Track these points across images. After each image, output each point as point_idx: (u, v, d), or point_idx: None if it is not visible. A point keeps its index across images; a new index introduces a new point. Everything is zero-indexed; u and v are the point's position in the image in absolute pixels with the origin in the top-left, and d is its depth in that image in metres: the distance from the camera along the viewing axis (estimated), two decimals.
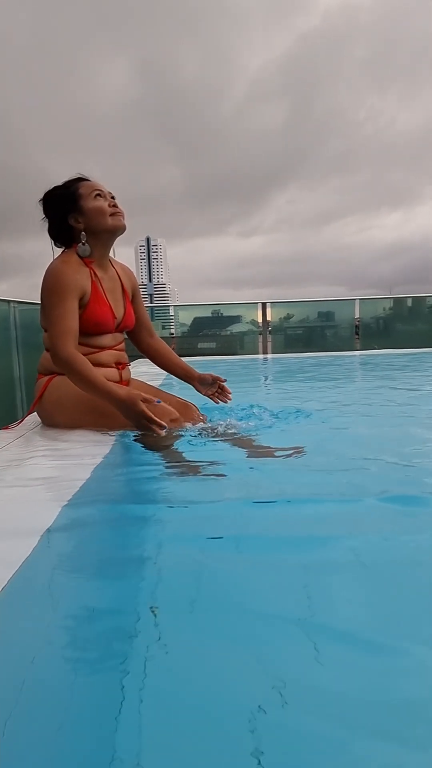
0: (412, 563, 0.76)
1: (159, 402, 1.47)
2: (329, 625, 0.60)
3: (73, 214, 1.65)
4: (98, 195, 1.65)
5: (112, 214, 1.66)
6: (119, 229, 1.70)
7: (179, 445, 1.44)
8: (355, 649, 0.56)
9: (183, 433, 1.55)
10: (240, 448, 1.42)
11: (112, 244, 1.76)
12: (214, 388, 1.87)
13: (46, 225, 1.71)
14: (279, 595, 0.68)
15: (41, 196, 1.68)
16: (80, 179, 1.70)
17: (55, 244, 1.73)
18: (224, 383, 1.87)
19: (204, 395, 1.88)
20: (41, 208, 1.69)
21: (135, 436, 1.51)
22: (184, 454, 1.35)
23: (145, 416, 1.43)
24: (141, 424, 1.46)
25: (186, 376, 1.92)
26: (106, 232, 1.68)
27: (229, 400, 1.87)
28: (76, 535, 0.88)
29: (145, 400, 1.44)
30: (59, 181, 1.71)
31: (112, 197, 1.69)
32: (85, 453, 1.35)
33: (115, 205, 1.67)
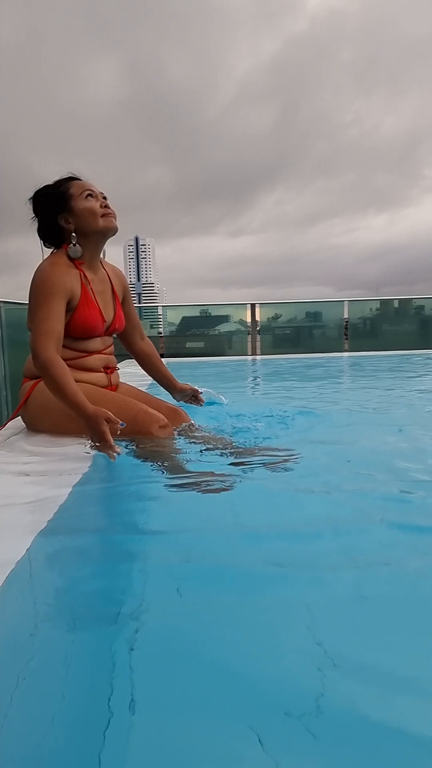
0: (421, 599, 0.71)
1: (123, 425, 1.40)
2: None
3: (63, 215, 1.61)
4: (89, 195, 1.62)
5: (103, 215, 1.62)
6: (110, 231, 1.66)
7: (168, 455, 1.41)
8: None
9: (174, 441, 1.52)
10: (229, 456, 1.40)
11: (103, 246, 1.71)
12: (189, 396, 2.02)
13: (35, 225, 1.66)
14: (278, 637, 0.62)
15: (29, 195, 1.64)
16: (71, 179, 1.65)
17: (45, 245, 1.69)
18: (200, 393, 2.04)
19: (178, 401, 1.99)
20: (30, 207, 1.65)
21: (126, 445, 1.48)
22: (172, 466, 1.32)
23: (104, 438, 1.37)
24: (97, 443, 1.41)
25: (168, 386, 2.02)
26: (96, 234, 1.64)
27: (201, 404, 2.04)
28: (49, 570, 0.80)
29: (109, 420, 1.38)
30: (47, 180, 1.66)
31: (104, 197, 1.65)
32: (66, 467, 1.28)
33: (106, 206, 1.63)
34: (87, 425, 1.41)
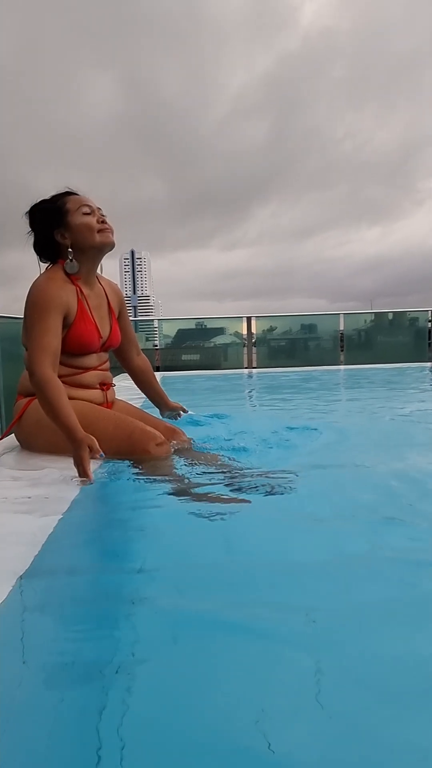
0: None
1: (102, 456, 1.38)
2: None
3: (59, 230, 1.59)
4: (86, 211, 1.59)
5: (100, 231, 1.60)
6: (107, 246, 1.64)
7: (164, 476, 1.37)
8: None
9: (171, 459, 1.48)
10: (224, 477, 1.35)
11: (99, 261, 1.69)
12: (175, 413, 2.00)
13: (31, 239, 1.64)
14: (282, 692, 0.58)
15: (25, 210, 1.63)
16: (68, 193, 1.63)
17: (41, 260, 1.67)
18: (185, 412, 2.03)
19: (163, 417, 1.96)
20: (27, 221, 1.63)
21: (130, 464, 1.46)
22: (168, 488, 1.27)
23: (82, 465, 1.34)
24: (77, 467, 1.36)
25: (157, 402, 2.01)
26: (93, 249, 1.62)
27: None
28: (35, 613, 0.73)
29: (91, 449, 1.36)
30: (43, 195, 1.64)
31: (102, 213, 1.63)
32: (56, 491, 1.23)
33: (103, 221, 1.61)
34: (72, 448, 1.38)
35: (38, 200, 1.63)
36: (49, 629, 0.72)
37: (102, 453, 1.38)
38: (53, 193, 1.64)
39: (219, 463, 1.47)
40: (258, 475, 1.36)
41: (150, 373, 1.96)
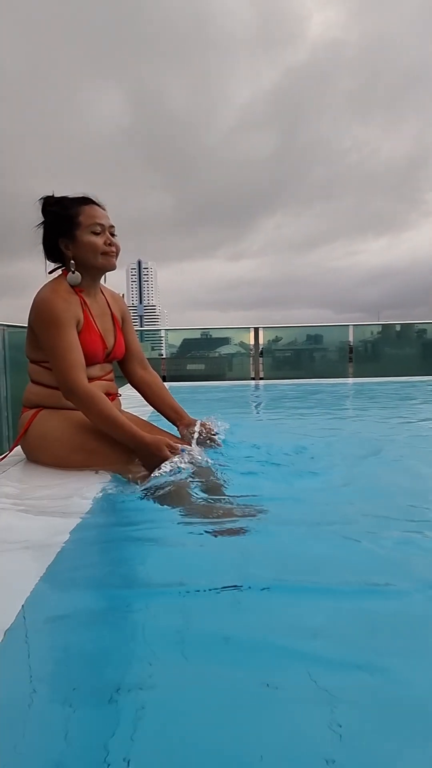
0: None
1: (184, 451, 1.39)
2: None
3: (64, 240, 1.58)
4: (96, 230, 1.56)
5: (104, 253, 1.58)
6: (107, 269, 1.64)
7: (175, 492, 1.31)
8: None
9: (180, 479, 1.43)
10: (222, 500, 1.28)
11: (100, 278, 1.69)
12: (194, 433, 1.65)
13: (39, 231, 1.61)
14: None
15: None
16: (85, 202, 1.59)
17: (47, 257, 1.64)
18: (213, 433, 1.68)
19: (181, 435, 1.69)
20: (38, 211, 1.58)
21: (140, 483, 1.41)
22: (181, 506, 1.22)
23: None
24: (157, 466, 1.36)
25: (174, 418, 1.75)
26: (93, 269, 1.61)
27: (219, 446, 1.66)
28: (44, 635, 0.70)
29: (170, 447, 1.39)
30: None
31: (112, 233, 1.60)
32: (65, 507, 1.19)
33: (111, 243, 1.59)
34: (145, 455, 1.40)
35: (57, 195, 1.60)
36: (59, 647, 0.70)
37: (183, 448, 1.40)
38: (73, 195, 1.60)
39: (214, 488, 1.38)
40: (232, 514, 1.18)
41: (161, 387, 1.81)
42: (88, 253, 1.57)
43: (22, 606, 0.75)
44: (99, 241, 1.57)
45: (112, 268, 1.64)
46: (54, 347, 1.50)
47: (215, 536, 1.03)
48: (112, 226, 1.61)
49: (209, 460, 1.49)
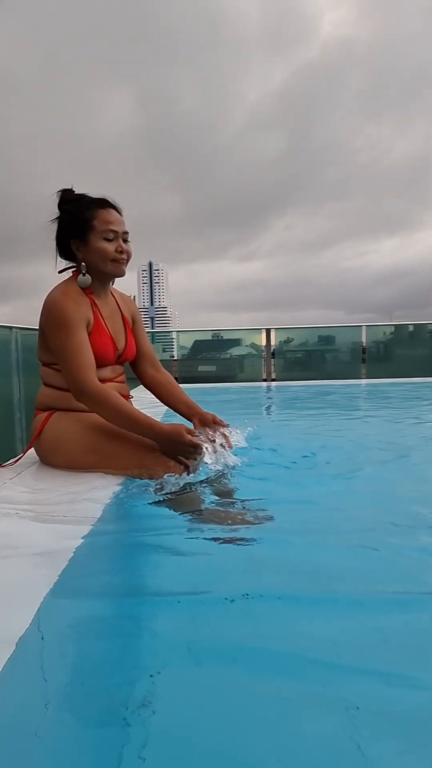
0: None
1: (200, 434, 1.44)
2: None
3: (76, 242, 1.58)
4: (109, 237, 1.55)
5: (113, 260, 1.57)
6: (116, 276, 1.65)
7: (187, 497, 1.32)
8: None
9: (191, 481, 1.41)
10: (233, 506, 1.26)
11: (109, 282, 1.70)
12: (212, 430, 1.63)
13: (54, 225, 1.61)
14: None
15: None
16: (102, 205, 1.58)
17: (59, 253, 1.63)
18: (227, 429, 1.63)
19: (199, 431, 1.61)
20: (55, 201, 1.59)
21: (144, 483, 1.41)
22: (194, 514, 1.20)
23: (192, 445, 1.41)
24: (186, 452, 1.42)
25: (188, 413, 1.74)
26: (102, 274, 1.61)
27: (230, 448, 1.57)
28: (55, 645, 0.68)
29: (189, 432, 1.42)
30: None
31: (125, 239, 1.59)
32: (77, 512, 1.19)
33: (122, 251, 1.58)
34: (166, 443, 1.42)
35: (76, 193, 1.59)
36: (71, 655, 0.69)
37: (200, 431, 1.45)
38: (93, 196, 1.59)
39: (223, 493, 1.37)
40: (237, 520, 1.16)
41: (174, 385, 1.82)
42: (98, 258, 1.57)
43: (35, 615, 0.74)
44: (110, 247, 1.57)
45: (121, 275, 1.64)
46: (63, 348, 1.50)
47: (225, 544, 1.01)
48: (126, 233, 1.60)
49: (231, 462, 1.49)
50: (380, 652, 0.68)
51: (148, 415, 1.46)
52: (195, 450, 1.42)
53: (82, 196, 1.60)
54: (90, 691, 0.61)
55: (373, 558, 0.99)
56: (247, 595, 0.80)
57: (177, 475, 1.39)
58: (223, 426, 1.67)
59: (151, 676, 0.63)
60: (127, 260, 1.62)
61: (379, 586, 0.87)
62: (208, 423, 1.68)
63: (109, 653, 0.69)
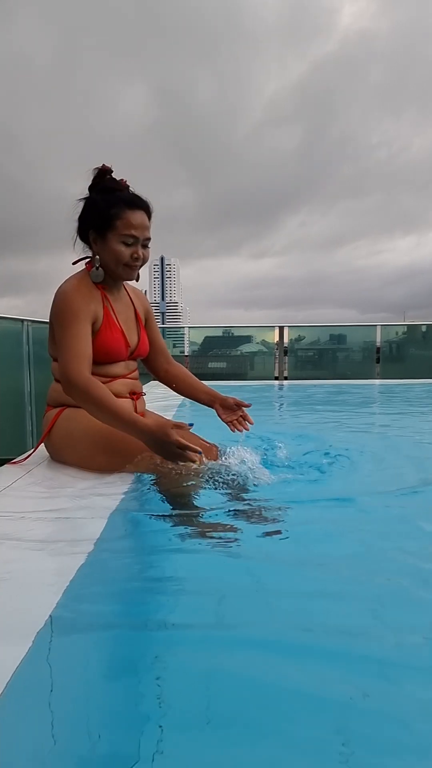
0: None
1: (192, 425, 1.32)
2: None
3: (94, 234, 1.53)
4: (128, 241, 1.49)
5: (125, 265, 1.52)
6: (125, 280, 1.61)
7: (202, 498, 1.27)
8: None
9: (202, 479, 1.36)
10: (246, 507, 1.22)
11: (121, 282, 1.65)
12: (236, 414, 1.67)
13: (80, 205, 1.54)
14: None
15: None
16: (131, 206, 1.50)
17: (78, 234, 1.56)
18: (246, 409, 1.67)
19: (224, 421, 1.68)
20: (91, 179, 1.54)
21: (152, 480, 1.36)
22: (195, 521, 1.15)
23: (180, 445, 1.27)
24: (174, 453, 1.30)
25: (209, 400, 1.72)
26: (113, 274, 1.57)
27: (248, 429, 1.66)
28: (55, 673, 0.62)
29: (177, 427, 1.30)
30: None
31: (145, 245, 1.53)
32: (84, 514, 1.14)
33: (137, 258, 1.52)
34: (152, 443, 1.32)
35: (113, 179, 1.54)
36: (72, 685, 0.63)
37: (192, 423, 1.33)
38: (131, 191, 1.54)
39: (237, 494, 1.33)
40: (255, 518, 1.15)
41: (188, 375, 1.79)
42: (111, 259, 1.53)
43: (45, 623, 0.70)
44: (126, 252, 1.51)
45: (130, 279, 1.60)
46: (61, 338, 1.46)
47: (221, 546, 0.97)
48: (148, 239, 1.54)
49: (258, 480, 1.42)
50: (394, 654, 0.63)
51: (132, 411, 1.37)
52: (184, 451, 1.29)
53: (115, 188, 1.53)
54: (93, 719, 0.57)
55: (375, 559, 0.93)
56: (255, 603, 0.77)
57: (191, 473, 1.33)
58: (246, 406, 1.67)
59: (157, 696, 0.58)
60: (141, 265, 1.57)
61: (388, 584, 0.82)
62: (230, 406, 1.68)
63: (115, 679, 0.65)
